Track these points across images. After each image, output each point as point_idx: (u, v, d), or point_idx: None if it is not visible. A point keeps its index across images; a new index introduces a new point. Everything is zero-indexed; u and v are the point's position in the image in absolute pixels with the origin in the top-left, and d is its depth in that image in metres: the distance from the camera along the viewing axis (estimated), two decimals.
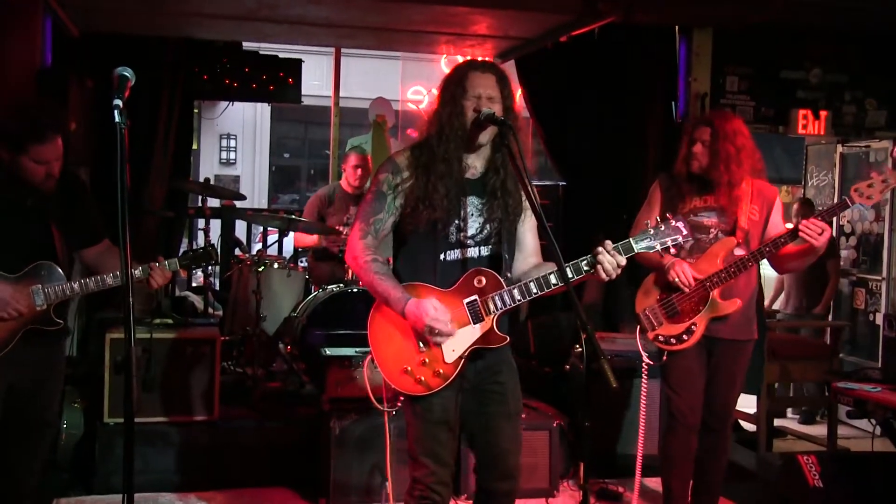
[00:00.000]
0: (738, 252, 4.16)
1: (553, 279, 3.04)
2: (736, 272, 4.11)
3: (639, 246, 3.09)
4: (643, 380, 4.43)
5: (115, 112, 2.49)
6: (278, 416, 5.44)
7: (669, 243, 3.10)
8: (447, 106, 3.14)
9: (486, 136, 3.15)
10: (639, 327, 4.30)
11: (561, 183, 7.42)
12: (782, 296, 8.17)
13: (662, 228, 3.10)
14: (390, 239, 3.28)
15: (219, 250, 7.39)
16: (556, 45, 6.81)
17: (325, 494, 4.83)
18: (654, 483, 4.72)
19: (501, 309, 3.10)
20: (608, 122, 7.04)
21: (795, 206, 8.24)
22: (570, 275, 3.01)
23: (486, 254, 3.19)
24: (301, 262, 7.07)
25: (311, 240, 6.67)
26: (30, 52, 5.86)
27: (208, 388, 5.17)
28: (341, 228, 6.54)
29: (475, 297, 3.11)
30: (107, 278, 3.58)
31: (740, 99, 6.51)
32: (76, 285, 3.59)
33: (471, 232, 3.17)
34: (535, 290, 3.07)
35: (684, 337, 4.18)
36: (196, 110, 14.02)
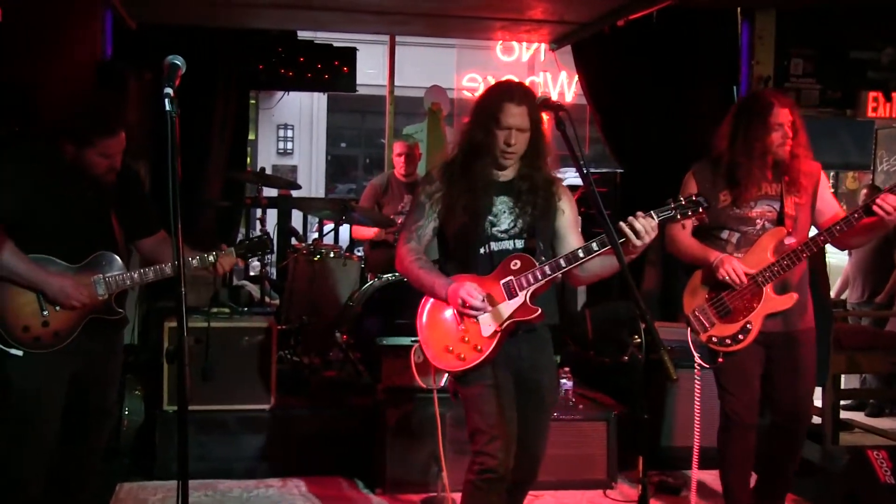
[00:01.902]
0: (789, 241, 3.95)
1: (581, 253, 3.24)
2: (790, 263, 3.91)
3: (660, 217, 3.18)
4: (696, 372, 4.24)
5: (166, 100, 2.50)
6: (334, 405, 5.46)
7: (690, 212, 3.20)
8: (478, 133, 3.36)
9: (507, 163, 3.39)
10: (689, 329, 4.11)
11: (618, 170, 7.32)
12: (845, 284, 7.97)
13: (683, 202, 3.20)
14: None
15: (275, 240, 7.46)
16: (613, 29, 6.72)
17: (382, 484, 4.83)
18: (711, 476, 4.62)
19: (532, 284, 3.29)
20: (666, 108, 6.92)
21: (863, 193, 8.03)
22: (595, 248, 3.20)
23: (521, 246, 3.40)
24: (357, 250, 7.08)
25: (369, 233, 6.68)
26: (90, 45, 5.95)
27: (265, 376, 5.20)
28: (396, 218, 6.53)
29: (510, 277, 3.33)
30: (166, 268, 3.63)
31: (805, 82, 6.34)
32: (136, 275, 3.63)
33: (503, 227, 3.40)
34: (564, 264, 3.26)
35: (740, 337, 3.98)
36: (253, 101, 14.18)
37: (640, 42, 6.82)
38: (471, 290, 3.25)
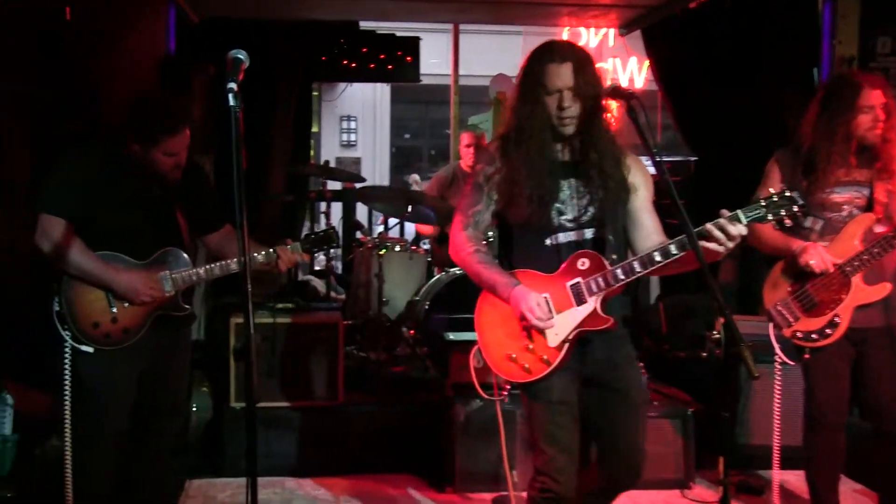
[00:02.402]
0: (879, 229, 3.78)
1: (657, 256, 2.97)
2: (881, 251, 3.74)
3: (748, 217, 2.89)
4: (776, 367, 4.09)
5: (230, 95, 2.50)
6: (402, 401, 5.45)
7: (783, 213, 2.89)
8: (527, 104, 3.09)
9: (565, 131, 3.09)
10: (771, 324, 3.96)
11: (692, 158, 7.20)
12: None
13: (775, 199, 2.90)
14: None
15: (340, 234, 7.51)
16: (684, 12, 6.60)
17: (451, 482, 4.82)
18: (794, 477, 4.51)
19: (604, 289, 3.05)
20: (742, 92, 6.77)
21: None
22: (673, 251, 2.94)
23: (591, 236, 3.15)
24: (423, 244, 7.08)
25: (429, 228, 6.68)
26: (154, 41, 6.04)
27: (331, 372, 5.22)
28: None
29: (578, 279, 3.08)
30: (231, 264, 3.66)
31: (893, 61, 6.13)
32: (202, 271, 3.68)
33: (571, 215, 3.14)
34: (638, 269, 3.00)
35: (827, 331, 3.82)
36: (315, 93, 14.27)
37: (714, 24, 6.68)
38: (536, 304, 3.01)
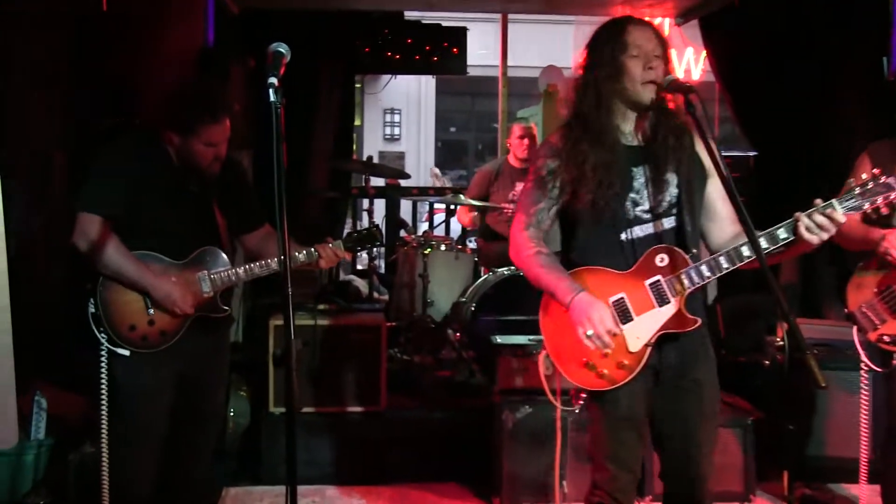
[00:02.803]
0: None
1: (745, 251, 2.85)
2: None
3: (844, 205, 2.78)
4: (862, 375, 3.94)
5: (270, 90, 2.49)
6: (447, 406, 5.44)
7: (880, 201, 2.77)
8: (604, 66, 2.94)
9: (648, 97, 2.94)
10: (855, 328, 3.80)
11: (752, 153, 7.09)
12: None
13: (870, 186, 2.78)
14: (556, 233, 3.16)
15: (383, 231, 7.51)
16: (743, 0, 6.50)
17: (498, 492, 4.80)
18: (870, 491, 4.40)
19: (689, 288, 2.92)
20: (805, 84, 6.66)
21: None
22: (764, 244, 2.81)
23: (670, 226, 2.99)
24: (469, 242, 7.06)
25: (467, 219, 6.67)
26: (193, 31, 6.06)
27: (374, 376, 5.22)
28: (506, 205, 6.49)
29: (658, 276, 2.94)
30: (271, 263, 3.66)
31: None
32: (241, 271, 3.68)
33: (647, 205, 2.98)
34: (725, 265, 2.88)
35: None
36: (358, 85, 14.32)
37: (774, 13, 6.57)
38: (599, 319, 2.85)
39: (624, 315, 2.96)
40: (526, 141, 6.69)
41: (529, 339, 5.01)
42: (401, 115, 18.75)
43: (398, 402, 5.40)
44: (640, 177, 2.99)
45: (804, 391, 4.94)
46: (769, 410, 5.08)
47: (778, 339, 5.10)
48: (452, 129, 20.31)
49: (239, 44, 6.59)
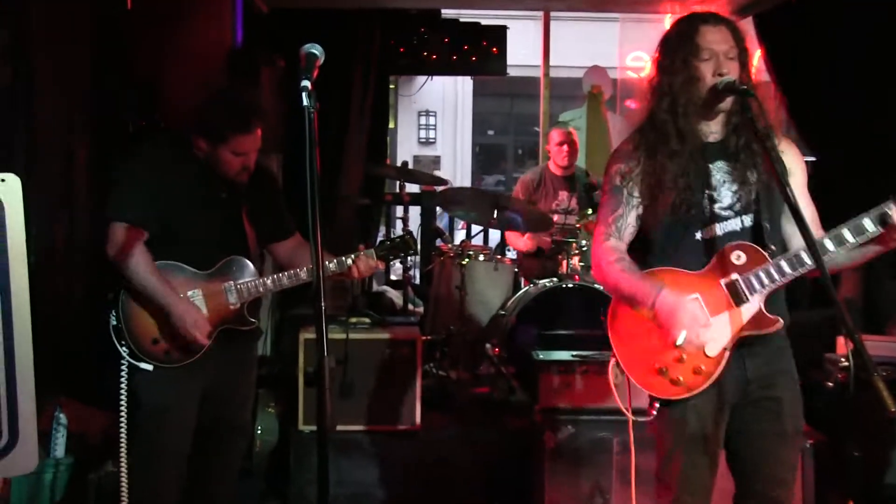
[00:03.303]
0: None
1: (830, 245, 2.82)
2: None
3: None
4: None
5: (303, 94, 2.49)
6: (485, 425, 5.41)
7: None
8: (678, 73, 2.95)
9: (726, 103, 2.96)
10: None
11: (810, 158, 7.01)
12: None
13: None
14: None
15: (418, 241, 7.51)
16: None
17: None
18: None
19: (768, 286, 2.88)
20: (869, 84, 6.57)
21: None
22: (849, 238, 2.81)
23: (749, 224, 2.98)
24: (509, 251, 7.04)
25: (525, 243, 6.61)
26: (221, 31, 6.10)
27: (409, 394, 5.20)
28: (553, 216, 6.45)
29: (735, 275, 2.90)
30: (301, 273, 3.66)
31: None
32: (269, 281, 3.68)
33: (727, 202, 2.98)
34: (807, 262, 2.83)
35: None
36: (392, 86, 14.33)
37: (834, 10, 6.50)
38: (692, 315, 2.83)
39: None
40: (566, 148, 6.66)
41: (573, 355, 4.97)
42: (436, 117, 18.75)
43: (434, 421, 5.37)
44: (717, 173, 2.99)
45: (871, 414, 4.84)
46: (832, 434, 4.99)
47: (842, 360, 5.02)
48: (490, 133, 20.29)
49: (268, 44, 6.61)
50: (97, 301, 3.67)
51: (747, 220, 2.97)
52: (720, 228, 2.96)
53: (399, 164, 8.65)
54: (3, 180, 1.92)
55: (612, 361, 3.07)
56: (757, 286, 2.88)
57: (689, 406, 2.94)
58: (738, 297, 2.90)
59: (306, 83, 2.50)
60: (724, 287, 2.91)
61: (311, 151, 2.45)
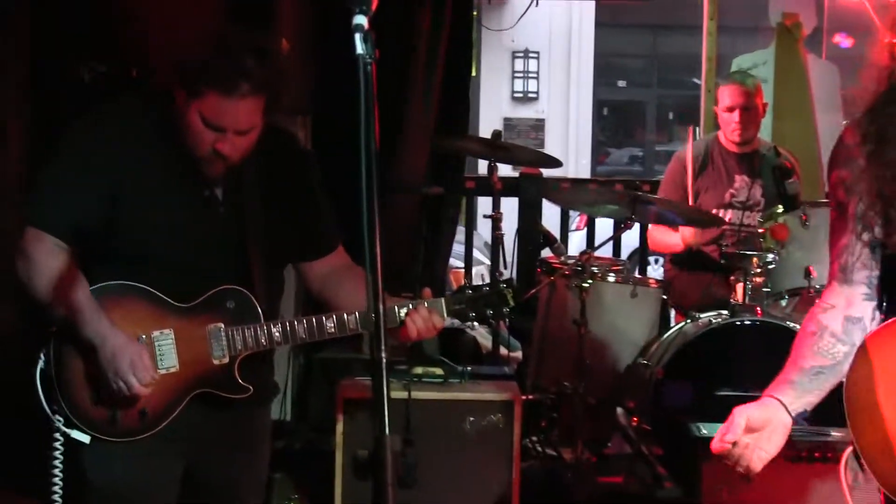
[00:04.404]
0: None
1: None
2: None
3: None
4: None
5: (357, 37, 2.44)
6: None
7: None
8: None
9: None
10: None
11: None
12: None
13: None
14: None
15: (514, 251, 7.48)
16: None
17: None
18: None
19: None
20: None
21: None
22: None
23: None
24: (654, 268, 7.01)
25: (676, 240, 6.59)
26: None
27: (501, 482, 5.22)
28: (722, 213, 6.42)
29: None
30: (328, 323, 3.58)
31: None
32: (277, 331, 3.61)
33: None
34: None
35: None
36: (474, 12, 14.38)
37: None
38: None
39: None
40: (737, 115, 6.59)
41: None
42: (539, 60, 18.76)
43: None
44: None
45: None
46: None
47: None
48: (621, 84, 20.29)
49: None
50: (28, 334, 3.70)
51: None
52: None
53: (485, 133, 8.63)
54: None
55: (848, 450, 3.06)
56: None
57: None
58: None
59: (361, 20, 2.47)
60: None
61: (366, 123, 2.40)
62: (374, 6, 2.51)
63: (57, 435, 3.51)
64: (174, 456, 3.67)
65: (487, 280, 3.68)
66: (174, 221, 3.58)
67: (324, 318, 3.59)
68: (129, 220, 3.52)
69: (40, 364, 3.51)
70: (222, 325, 3.56)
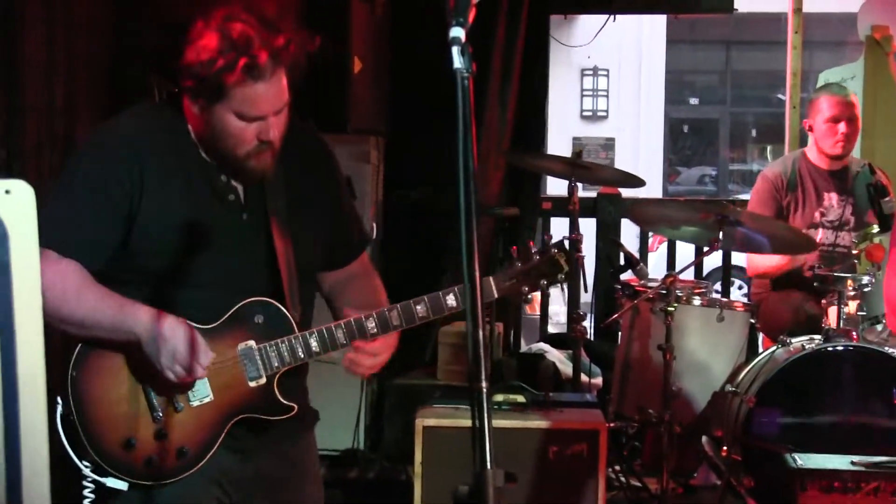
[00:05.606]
0: None
1: None
2: None
3: None
4: None
5: (454, 50, 2.40)
6: None
7: None
8: None
9: None
10: None
11: None
12: None
13: None
14: None
15: (591, 274, 7.44)
16: None
17: None
18: None
19: None
20: None
21: None
22: None
23: None
24: (741, 289, 6.96)
25: (774, 262, 6.52)
26: None
27: None
28: (812, 233, 6.34)
29: None
30: (367, 323, 3.47)
31: None
32: (314, 340, 3.48)
33: None
34: None
35: None
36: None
37: None
38: None
39: None
40: (839, 128, 6.52)
41: (854, 462, 4.89)
42: (609, 78, 18.81)
43: None
44: None
45: None
46: None
47: None
48: (693, 101, 20.26)
49: None
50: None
51: None
52: None
53: (557, 150, 8.61)
54: (7, 191, 1.90)
55: None
56: None
57: None
58: None
59: (458, 32, 2.43)
60: None
61: (464, 140, 2.35)
62: (471, 18, 2.47)
63: (86, 482, 3.33)
64: (210, 500, 3.55)
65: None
66: (196, 233, 3.41)
67: (363, 319, 3.43)
68: (146, 236, 3.38)
69: (59, 409, 3.31)
70: (253, 343, 3.41)
